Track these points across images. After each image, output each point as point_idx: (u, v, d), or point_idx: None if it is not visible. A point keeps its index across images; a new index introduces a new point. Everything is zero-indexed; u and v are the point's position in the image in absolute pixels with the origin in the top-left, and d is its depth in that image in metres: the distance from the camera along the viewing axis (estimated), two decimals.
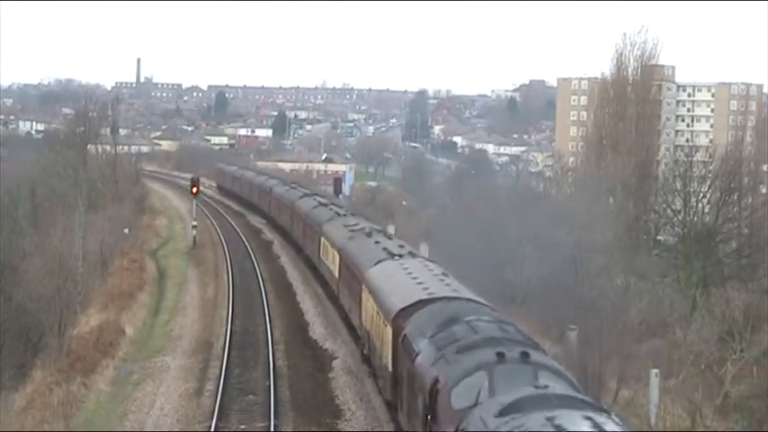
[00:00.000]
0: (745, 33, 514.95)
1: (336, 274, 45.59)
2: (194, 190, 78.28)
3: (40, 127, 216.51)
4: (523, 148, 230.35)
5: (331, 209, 58.10)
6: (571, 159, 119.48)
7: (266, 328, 43.24)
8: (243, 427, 29.81)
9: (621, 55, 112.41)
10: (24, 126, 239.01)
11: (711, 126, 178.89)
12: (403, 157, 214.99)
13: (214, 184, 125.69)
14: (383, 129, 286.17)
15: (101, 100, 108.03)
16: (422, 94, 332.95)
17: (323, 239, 51.52)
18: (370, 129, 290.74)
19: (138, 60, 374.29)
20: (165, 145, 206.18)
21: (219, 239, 75.14)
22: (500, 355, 19.68)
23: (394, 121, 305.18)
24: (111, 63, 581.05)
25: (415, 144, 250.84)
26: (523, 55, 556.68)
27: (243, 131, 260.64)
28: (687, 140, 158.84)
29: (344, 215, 54.58)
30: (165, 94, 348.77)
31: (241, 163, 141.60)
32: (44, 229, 68.19)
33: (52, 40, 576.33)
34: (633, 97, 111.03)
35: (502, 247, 61.78)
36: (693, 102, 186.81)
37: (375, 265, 35.41)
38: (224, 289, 54.31)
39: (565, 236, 61.90)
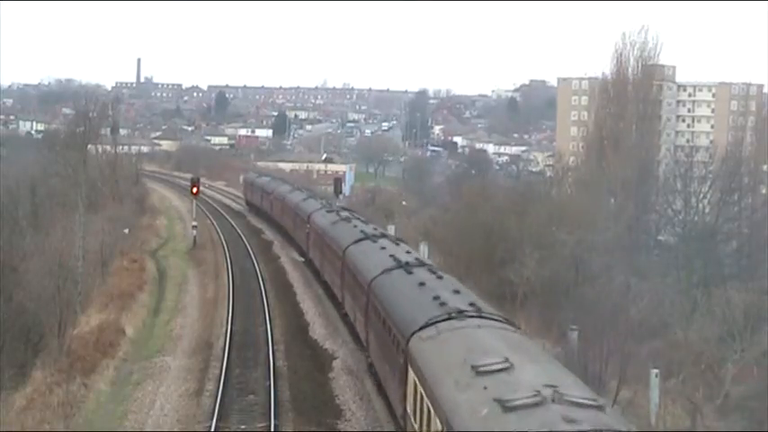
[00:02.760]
0: (745, 33, 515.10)
1: None
2: (194, 190, 78.32)
3: (40, 127, 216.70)
4: (524, 148, 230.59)
5: (424, 285, 27.71)
6: (572, 159, 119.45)
7: (266, 329, 43.20)
8: (243, 427, 29.78)
9: (621, 55, 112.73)
10: (24, 126, 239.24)
11: (712, 126, 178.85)
12: (403, 158, 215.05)
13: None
14: (379, 132, 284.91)
15: (101, 100, 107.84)
16: (422, 94, 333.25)
17: (413, 377, 22.60)
18: (368, 131, 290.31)
19: (139, 60, 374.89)
20: (166, 145, 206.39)
21: (220, 239, 75.12)
22: None
23: (386, 124, 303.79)
24: (112, 63, 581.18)
25: (436, 148, 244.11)
26: (524, 55, 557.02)
27: (243, 131, 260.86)
28: (687, 141, 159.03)
29: (467, 315, 23.19)
30: (165, 95, 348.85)
31: (266, 171, 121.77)
32: (44, 229, 68.12)
33: (52, 41, 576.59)
34: (633, 97, 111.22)
35: (502, 246, 61.72)
36: (694, 102, 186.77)
37: None
38: (224, 289, 54.27)
39: (565, 236, 61.81)
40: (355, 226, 47.04)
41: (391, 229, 60.28)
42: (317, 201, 65.46)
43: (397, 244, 39.51)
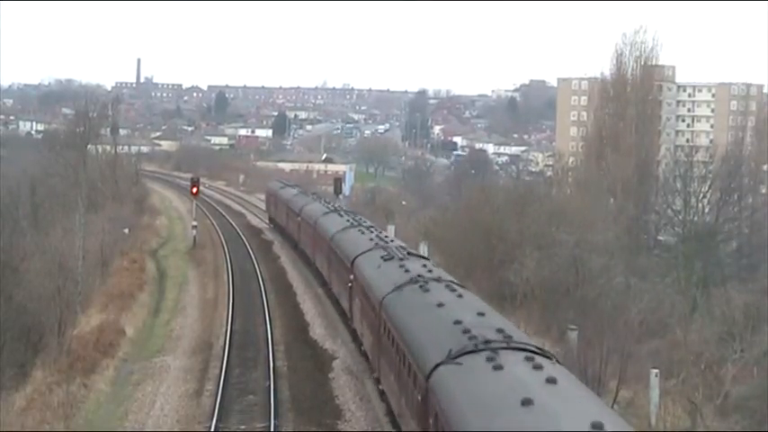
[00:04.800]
0: (745, 33, 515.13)
1: None
2: (194, 190, 78.27)
3: (41, 127, 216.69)
4: (523, 148, 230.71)
5: None
6: (571, 159, 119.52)
7: (266, 329, 43.21)
8: (243, 427, 29.79)
9: (621, 55, 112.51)
10: (24, 126, 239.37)
11: (712, 126, 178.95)
12: (403, 157, 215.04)
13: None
14: (376, 134, 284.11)
15: (101, 100, 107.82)
16: (422, 94, 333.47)
17: None
18: (367, 131, 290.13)
19: (139, 60, 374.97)
20: (165, 145, 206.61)
21: (220, 239, 75.10)
22: None
23: (382, 127, 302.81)
24: (112, 63, 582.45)
25: (461, 153, 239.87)
26: (524, 55, 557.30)
27: (243, 132, 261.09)
28: (687, 141, 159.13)
29: None
30: (165, 95, 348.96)
31: (289, 177, 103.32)
32: (44, 230, 68.16)
33: (52, 41, 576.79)
34: (633, 97, 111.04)
35: (502, 247, 61.72)
36: (694, 102, 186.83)
37: None
38: (224, 289, 54.28)
39: (565, 236, 61.78)
40: (441, 305, 23.82)
41: (391, 230, 60.14)
42: (365, 233, 43.16)
43: (538, 367, 17.30)
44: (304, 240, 60.50)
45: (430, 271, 30.14)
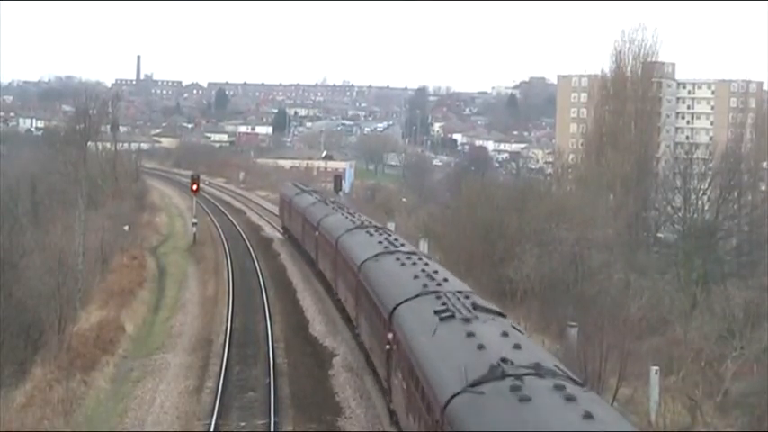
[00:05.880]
0: (745, 31, 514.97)
1: None
2: (194, 187, 78.20)
3: (41, 124, 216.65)
4: (523, 145, 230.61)
5: None
6: (571, 156, 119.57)
7: (266, 326, 43.19)
8: (243, 424, 29.78)
9: (621, 52, 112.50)
10: (24, 123, 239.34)
11: (711, 123, 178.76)
12: (403, 155, 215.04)
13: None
14: (377, 131, 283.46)
15: (101, 97, 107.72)
16: (422, 91, 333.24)
17: None
18: (367, 129, 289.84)
19: (139, 57, 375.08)
20: (165, 142, 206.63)
21: (220, 237, 75.07)
22: None
23: (380, 126, 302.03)
24: (112, 60, 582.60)
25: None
26: (524, 52, 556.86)
27: (243, 129, 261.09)
28: (687, 138, 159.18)
29: None
30: (165, 92, 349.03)
31: (315, 186, 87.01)
32: (44, 226, 68.20)
33: (52, 38, 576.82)
34: (633, 94, 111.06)
35: (502, 243, 61.74)
36: (693, 99, 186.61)
37: None
38: (224, 286, 54.24)
39: (565, 233, 61.80)
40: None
41: (391, 227, 60.05)
42: (405, 264, 31.59)
43: None
44: (323, 261, 50.15)
45: (518, 347, 18.56)
